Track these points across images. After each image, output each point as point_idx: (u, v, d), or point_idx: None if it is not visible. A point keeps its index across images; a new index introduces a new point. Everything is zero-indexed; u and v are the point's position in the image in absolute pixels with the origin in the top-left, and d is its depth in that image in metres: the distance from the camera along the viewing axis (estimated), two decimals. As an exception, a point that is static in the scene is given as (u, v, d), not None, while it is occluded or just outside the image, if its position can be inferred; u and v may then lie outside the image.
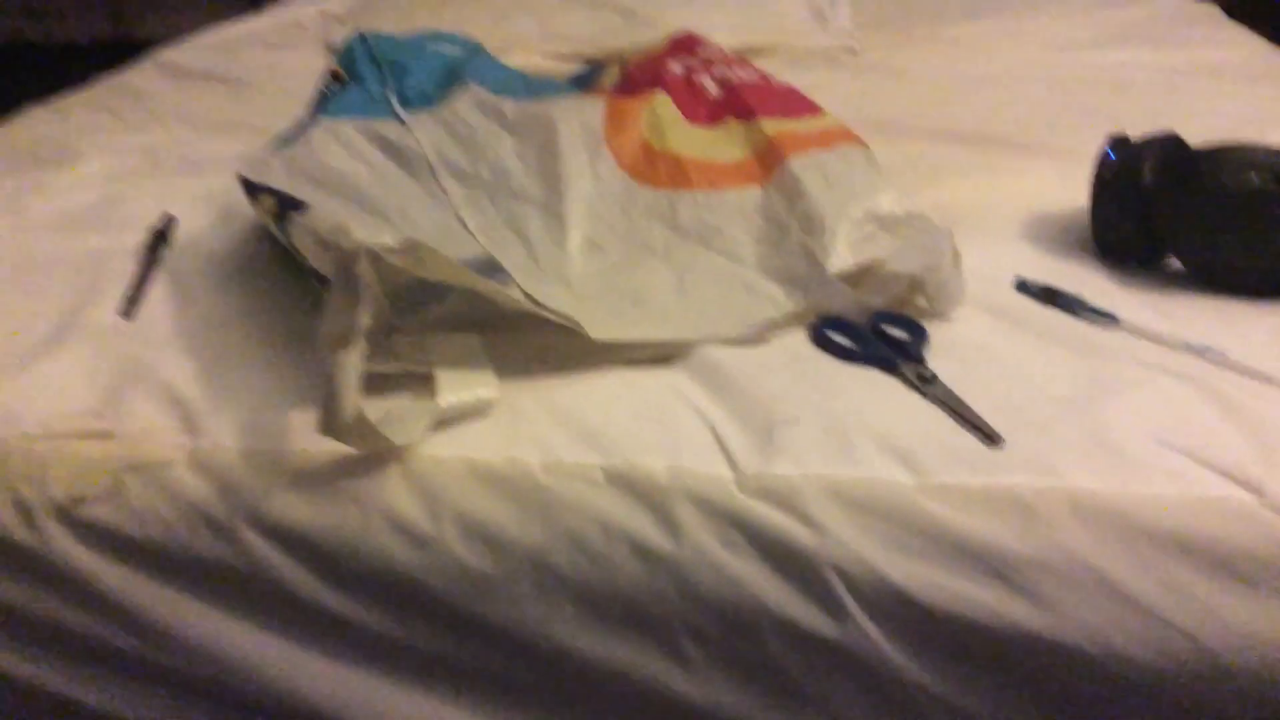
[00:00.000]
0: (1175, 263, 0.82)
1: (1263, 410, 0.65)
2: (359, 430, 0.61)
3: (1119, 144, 0.86)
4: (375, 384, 0.66)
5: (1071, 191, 0.92)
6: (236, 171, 0.83)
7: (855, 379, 0.70)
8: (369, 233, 0.64)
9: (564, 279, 0.78)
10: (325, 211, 0.70)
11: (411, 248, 0.64)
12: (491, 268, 0.73)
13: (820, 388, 0.69)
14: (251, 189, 0.80)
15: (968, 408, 0.66)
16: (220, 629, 0.64)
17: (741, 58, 1.02)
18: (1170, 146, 0.84)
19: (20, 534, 0.64)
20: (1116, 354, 0.72)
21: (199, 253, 0.89)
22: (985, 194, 0.98)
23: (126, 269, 0.86)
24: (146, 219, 0.95)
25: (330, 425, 0.60)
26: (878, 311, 0.75)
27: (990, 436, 0.63)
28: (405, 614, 0.63)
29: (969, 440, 0.63)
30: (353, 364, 0.60)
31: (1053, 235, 0.91)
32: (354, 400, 0.60)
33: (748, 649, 0.61)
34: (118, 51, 2.57)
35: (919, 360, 0.71)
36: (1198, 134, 0.86)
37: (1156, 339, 0.74)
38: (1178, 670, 0.58)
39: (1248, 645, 0.57)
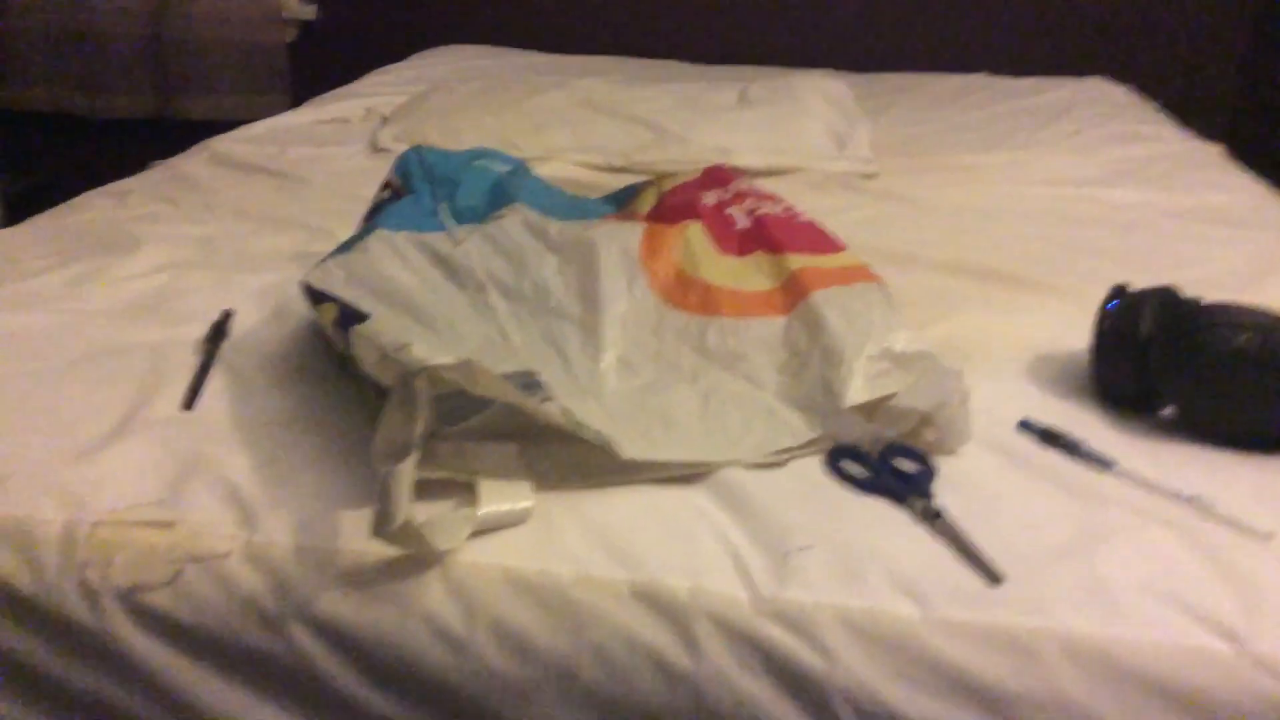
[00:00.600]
0: (1170, 410, 0.88)
1: (1245, 562, 0.70)
2: (407, 535, 0.66)
3: (1119, 295, 0.92)
4: (418, 489, 0.71)
5: (1075, 332, 0.98)
6: (302, 280, 0.90)
7: (866, 509, 0.75)
8: (427, 350, 0.70)
9: (597, 395, 0.83)
10: (385, 325, 0.76)
11: (465, 367, 0.70)
12: (531, 382, 0.79)
13: (834, 515, 0.74)
14: (315, 296, 0.86)
15: (971, 545, 0.70)
16: (264, 718, 0.68)
17: (771, 193, 1.09)
18: (1168, 300, 0.90)
19: (85, 617, 0.69)
20: (1111, 499, 0.77)
21: (255, 348, 0.95)
22: (992, 330, 1.04)
23: (186, 361, 0.92)
24: (205, 311, 1.01)
25: (383, 530, 0.65)
26: (889, 443, 0.81)
27: (992, 575, 0.68)
28: (438, 713, 0.68)
29: (971, 577, 0.68)
30: (407, 474, 0.66)
31: (1055, 376, 0.97)
32: (406, 508, 0.65)
33: (758, 765, 0.65)
34: (158, 128, 2.70)
35: (926, 494, 0.76)
36: (1198, 279, 0.92)
37: (1149, 486, 0.79)
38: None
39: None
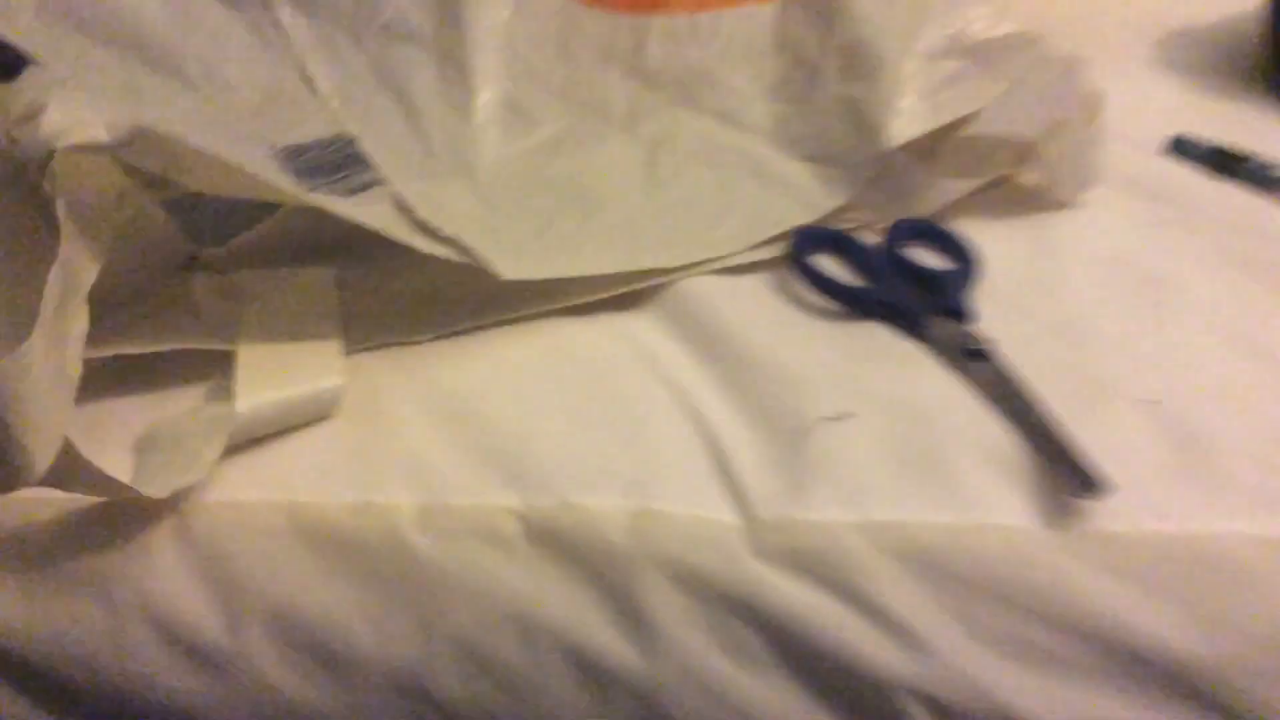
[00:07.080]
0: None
1: None
2: (84, 482, 0.35)
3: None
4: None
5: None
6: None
7: (859, 338, 0.42)
8: (76, 110, 0.36)
9: (468, 169, 0.50)
10: (45, 80, 0.42)
11: (139, 139, 0.36)
12: (342, 157, 0.46)
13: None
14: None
15: (1045, 422, 0.37)
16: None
17: None
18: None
19: None
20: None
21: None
22: None
23: None
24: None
25: (8, 480, 0.33)
26: (900, 222, 0.47)
27: (1086, 481, 0.35)
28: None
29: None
30: (35, 372, 0.33)
31: (1208, 61, 0.62)
32: (45, 436, 0.33)
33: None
34: None
35: (958, 310, 0.42)
36: None
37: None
38: None
39: None
